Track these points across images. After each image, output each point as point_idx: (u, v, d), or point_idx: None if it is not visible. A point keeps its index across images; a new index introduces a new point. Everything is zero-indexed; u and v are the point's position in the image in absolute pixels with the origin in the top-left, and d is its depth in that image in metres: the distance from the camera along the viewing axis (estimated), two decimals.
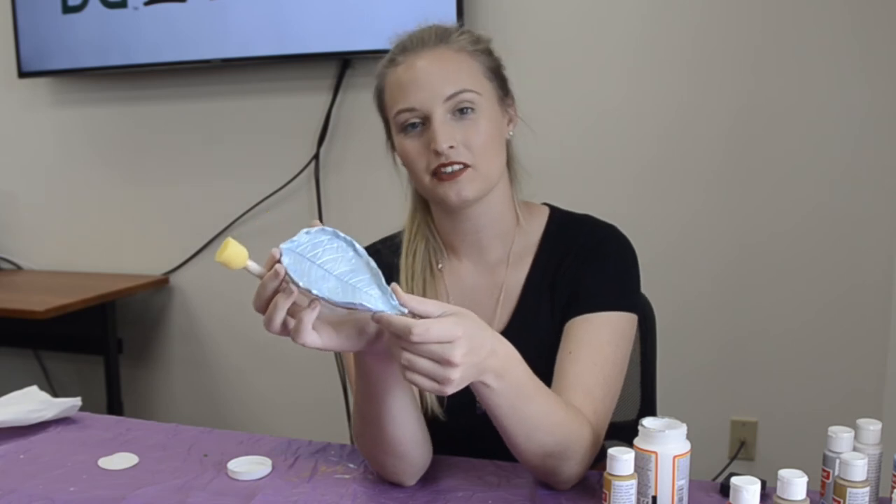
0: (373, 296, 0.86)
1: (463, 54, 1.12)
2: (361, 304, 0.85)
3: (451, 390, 0.86)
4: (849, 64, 2.06)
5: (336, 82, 2.47)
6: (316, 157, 2.53)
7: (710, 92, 2.17)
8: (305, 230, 0.88)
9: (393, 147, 1.18)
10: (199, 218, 2.71)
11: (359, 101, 2.47)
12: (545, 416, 0.95)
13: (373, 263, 0.88)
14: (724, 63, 2.15)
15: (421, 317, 0.85)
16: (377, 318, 0.86)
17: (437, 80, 1.08)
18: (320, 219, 2.54)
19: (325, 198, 2.55)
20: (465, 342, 0.84)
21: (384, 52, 1.16)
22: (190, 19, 2.51)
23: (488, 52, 1.15)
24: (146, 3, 2.55)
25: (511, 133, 1.18)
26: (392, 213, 1.27)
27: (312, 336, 0.87)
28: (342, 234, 0.89)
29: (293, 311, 0.86)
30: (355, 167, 2.51)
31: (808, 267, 2.15)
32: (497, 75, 1.15)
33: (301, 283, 0.84)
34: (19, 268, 2.98)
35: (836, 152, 2.10)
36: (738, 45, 2.14)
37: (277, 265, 0.84)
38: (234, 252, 0.85)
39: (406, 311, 0.86)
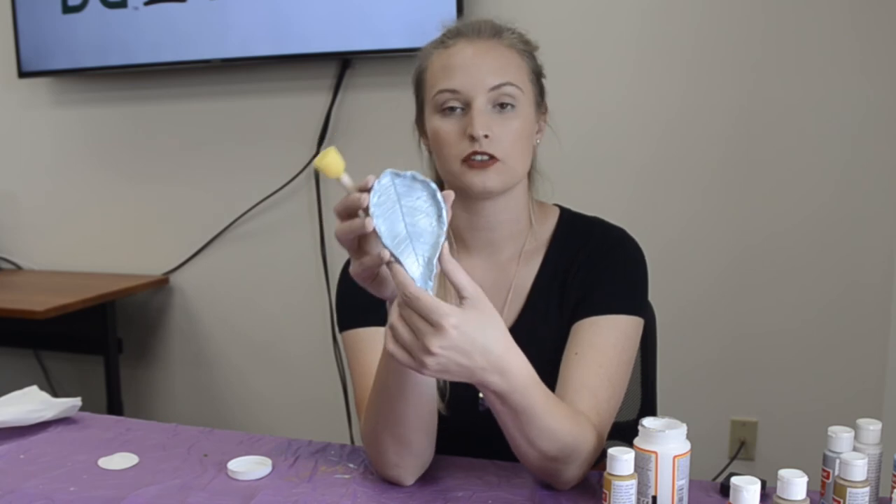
0: (414, 264, 0.86)
1: (513, 51, 1.13)
2: (401, 263, 0.85)
3: (427, 374, 0.86)
4: (849, 64, 2.06)
5: (336, 82, 2.47)
6: (316, 157, 2.53)
7: (710, 92, 2.17)
8: (415, 174, 0.89)
9: (421, 130, 1.18)
10: (199, 218, 2.71)
11: (359, 101, 2.47)
12: (550, 425, 0.95)
13: (443, 239, 0.87)
14: (724, 63, 2.15)
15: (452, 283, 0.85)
16: (386, 256, 0.86)
17: (486, 69, 1.10)
18: (320, 219, 2.55)
19: (325, 198, 2.54)
20: (450, 337, 0.83)
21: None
22: (190, 19, 2.51)
23: (534, 57, 1.17)
24: (146, 3, 2.55)
25: (538, 141, 1.19)
26: None
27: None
28: (441, 199, 0.88)
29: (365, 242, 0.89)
30: (355, 167, 2.49)
31: (808, 267, 2.15)
32: (538, 80, 1.17)
33: (372, 209, 0.86)
34: (19, 268, 2.98)
35: (836, 152, 2.10)
36: (738, 45, 2.13)
37: (371, 177, 0.87)
38: (333, 161, 0.88)
39: (431, 289, 0.85)
